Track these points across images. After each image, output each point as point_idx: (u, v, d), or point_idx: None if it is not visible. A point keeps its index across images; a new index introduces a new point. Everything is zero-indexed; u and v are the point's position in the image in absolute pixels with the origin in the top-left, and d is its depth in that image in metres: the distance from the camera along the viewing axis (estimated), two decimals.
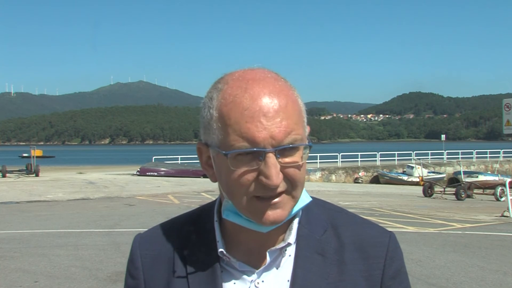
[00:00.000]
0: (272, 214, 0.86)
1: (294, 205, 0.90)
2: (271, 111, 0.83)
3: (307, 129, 0.92)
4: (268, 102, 0.83)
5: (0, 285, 6.37)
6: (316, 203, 1.02)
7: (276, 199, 0.86)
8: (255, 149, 0.83)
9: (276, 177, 0.83)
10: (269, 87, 0.85)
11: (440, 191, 20.69)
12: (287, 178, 0.86)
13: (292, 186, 0.87)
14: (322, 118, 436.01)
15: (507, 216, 13.01)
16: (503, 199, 17.27)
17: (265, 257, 0.93)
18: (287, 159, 0.85)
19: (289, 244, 0.93)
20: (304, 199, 0.94)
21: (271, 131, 0.82)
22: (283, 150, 0.84)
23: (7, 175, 29.33)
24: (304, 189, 0.94)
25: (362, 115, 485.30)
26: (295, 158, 0.86)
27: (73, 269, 7.12)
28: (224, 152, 0.85)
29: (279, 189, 0.85)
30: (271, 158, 0.83)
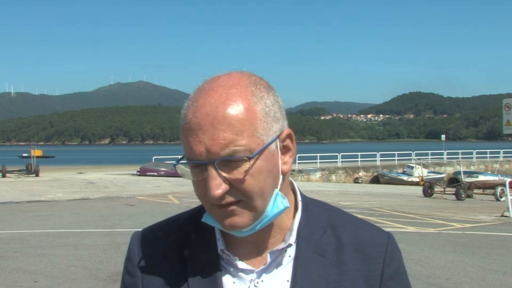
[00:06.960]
0: (229, 220, 0.86)
1: (258, 214, 0.87)
2: (207, 124, 0.82)
3: (284, 132, 0.89)
4: (206, 114, 0.83)
5: (0, 285, 6.37)
6: (315, 204, 1.02)
7: (229, 208, 0.85)
8: (192, 161, 0.85)
9: (214, 189, 0.82)
10: (214, 97, 0.84)
11: (440, 191, 20.68)
12: (238, 189, 0.84)
13: (247, 197, 0.84)
14: (322, 118, 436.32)
15: (507, 216, 13.00)
16: (503, 199, 17.26)
17: (265, 257, 0.93)
18: (231, 171, 0.83)
19: (290, 245, 0.93)
20: (279, 205, 0.89)
21: (206, 144, 0.82)
22: (226, 162, 0.83)
23: (7, 175, 29.37)
24: (279, 195, 0.89)
25: (362, 115, 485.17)
26: (239, 170, 0.83)
27: (73, 269, 7.12)
28: (175, 162, 0.88)
29: (228, 200, 0.84)
30: (210, 170, 0.83)
